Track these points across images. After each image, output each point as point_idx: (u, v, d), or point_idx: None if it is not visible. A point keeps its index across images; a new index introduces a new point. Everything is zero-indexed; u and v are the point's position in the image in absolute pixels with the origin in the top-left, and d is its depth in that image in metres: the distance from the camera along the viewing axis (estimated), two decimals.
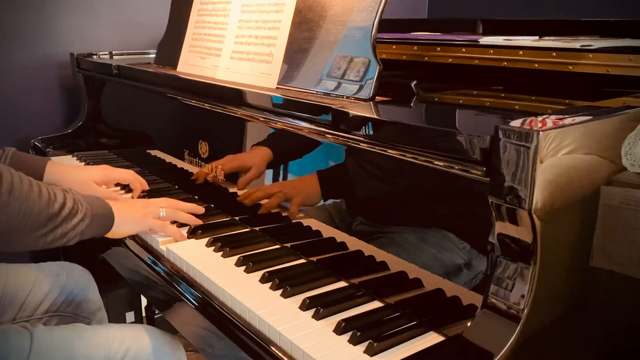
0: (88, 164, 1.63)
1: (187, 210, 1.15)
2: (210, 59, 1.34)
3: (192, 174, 1.35)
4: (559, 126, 0.65)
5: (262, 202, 1.11)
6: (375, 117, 0.85)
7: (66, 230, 0.95)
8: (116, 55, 1.86)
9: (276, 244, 1.08)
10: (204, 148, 1.29)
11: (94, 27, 1.88)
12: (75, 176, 1.26)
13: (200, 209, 1.17)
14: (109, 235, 1.06)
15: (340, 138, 0.91)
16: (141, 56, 1.87)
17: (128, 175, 1.31)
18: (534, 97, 1.10)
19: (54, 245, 0.95)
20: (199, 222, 1.15)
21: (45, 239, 0.93)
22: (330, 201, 0.98)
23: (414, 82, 1.05)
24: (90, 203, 1.00)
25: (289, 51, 1.12)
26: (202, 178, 1.30)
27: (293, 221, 1.06)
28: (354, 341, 0.76)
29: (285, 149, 1.08)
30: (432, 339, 0.78)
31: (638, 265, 0.80)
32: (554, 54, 1.10)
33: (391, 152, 0.82)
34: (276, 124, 1.06)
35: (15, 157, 1.21)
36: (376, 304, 0.87)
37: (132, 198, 1.31)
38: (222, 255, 1.03)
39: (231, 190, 1.22)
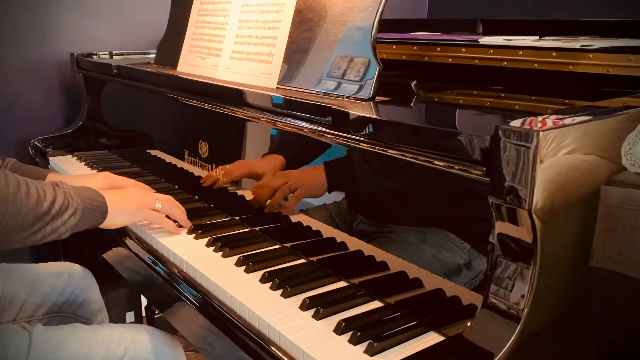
0: (88, 163, 1.63)
1: (180, 214, 1.15)
2: (210, 59, 1.34)
3: (192, 174, 1.35)
4: (559, 126, 0.65)
5: (269, 198, 1.10)
6: (375, 117, 0.85)
7: (56, 227, 0.93)
8: (116, 55, 1.86)
9: (276, 244, 1.08)
10: (204, 148, 1.29)
11: (93, 27, 1.88)
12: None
13: (189, 224, 1.16)
14: (103, 226, 1.05)
15: (340, 138, 0.91)
16: (141, 56, 1.87)
17: (129, 183, 1.29)
18: (534, 97, 1.10)
19: (44, 241, 0.94)
20: (190, 224, 1.15)
21: (34, 237, 0.91)
22: (330, 201, 0.98)
23: (414, 82, 1.05)
24: (81, 196, 0.98)
25: (289, 51, 1.12)
26: (209, 181, 1.28)
27: (293, 221, 1.06)
28: (354, 341, 0.76)
29: (298, 154, 1.06)
30: (432, 339, 0.78)
31: (638, 265, 0.80)
32: (554, 54, 1.10)
33: (391, 152, 0.82)
34: (276, 124, 1.06)
35: (15, 167, 1.18)
36: (376, 304, 0.87)
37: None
38: (222, 255, 1.03)
39: (231, 190, 1.22)
